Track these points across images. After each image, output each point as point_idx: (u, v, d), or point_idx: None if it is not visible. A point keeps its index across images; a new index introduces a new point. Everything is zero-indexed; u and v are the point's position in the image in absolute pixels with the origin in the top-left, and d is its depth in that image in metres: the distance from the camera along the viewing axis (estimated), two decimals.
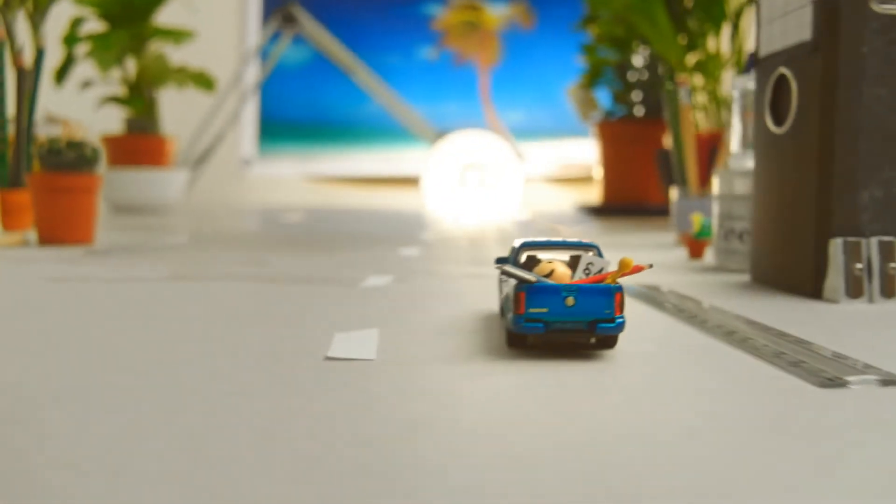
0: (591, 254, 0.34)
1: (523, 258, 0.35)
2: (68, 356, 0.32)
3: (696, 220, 0.73)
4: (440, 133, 2.13)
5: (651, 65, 1.48)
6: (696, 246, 0.73)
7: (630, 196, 1.55)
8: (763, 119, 0.55)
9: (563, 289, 0.31)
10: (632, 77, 1.50)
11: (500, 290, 0.39)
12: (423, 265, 0.66)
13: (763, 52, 0.56)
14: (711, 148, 0.87)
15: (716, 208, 0.67)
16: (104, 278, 0.56)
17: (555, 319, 0.31)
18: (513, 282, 0.33)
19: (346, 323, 0.40)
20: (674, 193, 0.88)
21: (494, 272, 0.59)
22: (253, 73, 2.20)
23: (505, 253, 0.41)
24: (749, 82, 0.67)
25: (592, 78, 1.54)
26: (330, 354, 0.32)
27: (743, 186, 0.65)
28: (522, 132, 2.40)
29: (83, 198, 0.83)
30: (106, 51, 1.46)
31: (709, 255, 0.75)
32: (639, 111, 1.53)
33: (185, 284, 0.53)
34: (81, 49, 1.56)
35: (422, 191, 2.06)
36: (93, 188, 0.83)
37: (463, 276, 0.58)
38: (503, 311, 0.36)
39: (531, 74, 2.45)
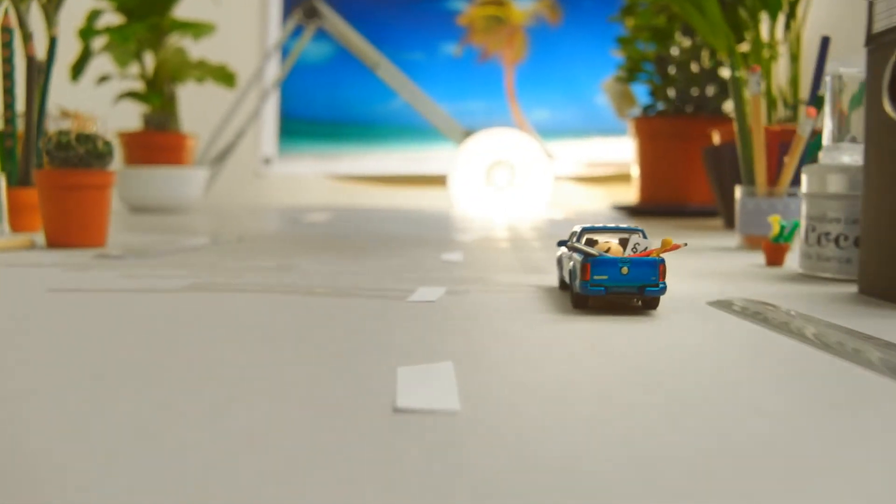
0: (637, 236, 0.41)
1: (584, 239, 0.42)
2: (62, 401, 0.24)
3: (776, 221, 0.64)
4: (467, 131, 2.05)
5: (694, 57, 1.39)
6: (775, 251, 0.65)
7: (669, 196, 1.46)
8: (878, 105, 0.47)
9: (619, 261, 0.39)
10: (672, 70, 1.41)
11: (561, 267, 0.47)
12: (472, 273, 0.57)
13: (879, 26, 0.47)
14: (780, 143, 0.78)
15: (805, 209, 0.59)
16: (114, 289, 0.48)
17: (613, 284, 0.39)
18: (578, 257, 0.40)
19: (406, 350, 0.32)
20: (738, 192, 0.80)
21: (556, 282, 0.51)
22: (274, 69, 2.13)
23: (557, 250, 0.49)
24: (842, 67, 0.58)
25: (631, 72, 1.46)
26: (400, 405, 0.24)
27: (838, 184, 0.56)
28: (548, 131, 2.32)
29: (95, 196, 0.75)
30: (123, 43, 1.39)
31: (790, 262, 0.66)
32: (680, 106, 1.44)
33: (207, 297, 0.45)
34: (99, 43, 1.49)
35: (448, 190, 1.98)
36: (105, 185, 0.76)
37: (522, 287, 0.50)
38: (562, 284, 0.47)
39: (558, 71, 2.37)
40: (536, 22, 2.36)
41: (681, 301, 0.45)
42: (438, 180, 2.16)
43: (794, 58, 1.10)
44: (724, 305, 0.44)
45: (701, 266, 0.64)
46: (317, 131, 2.34)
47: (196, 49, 1.68)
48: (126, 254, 0.68)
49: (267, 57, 2.00)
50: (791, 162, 0.75)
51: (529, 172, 1.93)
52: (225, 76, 1.57)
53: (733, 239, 0.91)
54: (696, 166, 1.43)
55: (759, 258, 0.70)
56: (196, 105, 1.93)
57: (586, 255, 0.39)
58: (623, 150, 2.24)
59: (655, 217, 1.44)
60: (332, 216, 1.43)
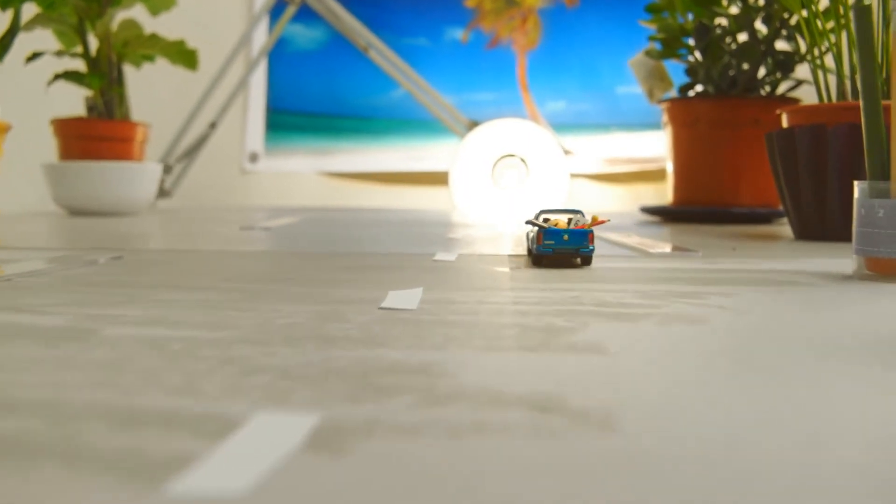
0: (578, 215, 0.54)
1: (542, 218, 0.54)
2: None
3: None
4: (473, 124, 1.76)
5: (745, 25, 1.09)
6: None
7: (712, 195, 1.16)
8: None
9: (562, 231, 0.52)
10: (722, 41, 1.11)
11: (528, 239, 0.58)
12: (418, 352, 0.28)
13: None
14: None
15: None
16: None
17: (558, 246, 0.52)
18: (535, 229, 0.54)
19: None
20: (857, 192, 0.50)
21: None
22: (249, 54, 1.85)
23: (525, 228, 0.63)
24: None
25: (668, 47, 1.16)
26: None
27: None
28: (565, 124, 2.02)
29: None
30: (49, 11, 1.11)
31: None
32: (723, 86, 1.14)
33: None
34: (35, 17, 1.21)
35: (449, 189, 1.69)
36: None
37: (521, 415, 0.21)
38: (529, 252, 0.58)
39: (575, 59, 2.07)
40: (551, 3, 2.06)
41: None
42: (442, 178, 1.87)
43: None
44: None
45: (836, 324, 0.34)
46: (309, 125, 2.06)
47: (158, 27, 1.40)
48: None
49: (243, 38, 1.71)
50: None
51: (542, 170, 1.64)
52: (183, 55, 1.28)
53: (839, 259, 0.61)
54: (748, 159, 1.13)
55: None
56: (162, 93, 1.65)
57: (540, 227, 0.53)
58: (649, 146, 1.95)
59: (695, 222, 1.15)
60: (301, 220, 1.15)
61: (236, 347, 0.28)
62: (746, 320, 0.34)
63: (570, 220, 0.54)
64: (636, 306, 0.37)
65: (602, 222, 0.53)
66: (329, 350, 0.27)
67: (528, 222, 0.54)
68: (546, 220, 0.54)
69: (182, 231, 0.92)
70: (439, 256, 0.60)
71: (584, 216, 0.54)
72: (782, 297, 0.41)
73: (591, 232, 0.52)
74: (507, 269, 0.52)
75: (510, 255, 0.61)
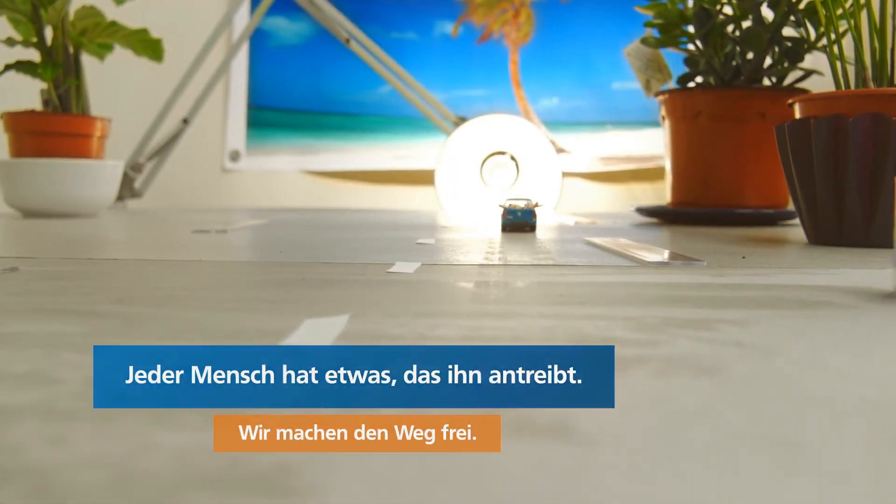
0: (528, 201, 0.79)
1: (508, 202, 0.79)
2: None
3: None
4: (462, 120, 1.66)
5: (751, 10, 0.99)
6: None
7: (713, 195, 1.06)
8: None
9: (516, 210, 0.78)
10: (725, 28, 1.01)
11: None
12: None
13: None
14: None
15: None
16: None
17: (514, 220, 0.78)
18: (502, 209, 0.79)
19: None
20: None
21: None
22: (230, 38, 1.75)
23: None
24: None
25: (666, 35, 1.06)
26: None
27: None
28: (558, 121, 1.93)
29: None
30: None
31: None
32: (724, 76, 1.04)
33: None
34: None
35: (435, 188, 1.59)
36: None
37: None
38: (503, 225, 0.80)
39: (569, 53, 1.97)
40: None
41: None
42: (431, 177, 1.77)
43: None
44: None
45: None
46: (292, 122, 1.96)
47: (133, 16, 1.30)
48: None
49: (219, 28, 1.62)
50: None
51: (534, 168, 1.54)
52: (146, 44, 1.18)
53: (870, 270, 0.52)
54: (752, 155, 1.03)
55: None
56: (139, 83, 1.56)
57: (504, 208, 0.78)
58: (646, 144, 1.85)
59: (695, 224, 1.05)
60: (268, 222, 1.05)
61: (6, 431, 0.18)
62: (776, 368, 0.25)
63: (525, 203, 0.79)
64: (626, 343, 0.28)
65: (539, 205, 0.80)
66: (153, 434, 0.18)
67: (499, 205, 0.80)
68: (510, 204, 0.79)
69: (128, 236, 0.82)
70: (396, 268, 0.50)
71: (531, 201, 0.80)
72: (815, 328, 0.32)
73: (534, 211, 0.79)
74: (471, 286, 0.42)
75: (481, 265, 0.52)
